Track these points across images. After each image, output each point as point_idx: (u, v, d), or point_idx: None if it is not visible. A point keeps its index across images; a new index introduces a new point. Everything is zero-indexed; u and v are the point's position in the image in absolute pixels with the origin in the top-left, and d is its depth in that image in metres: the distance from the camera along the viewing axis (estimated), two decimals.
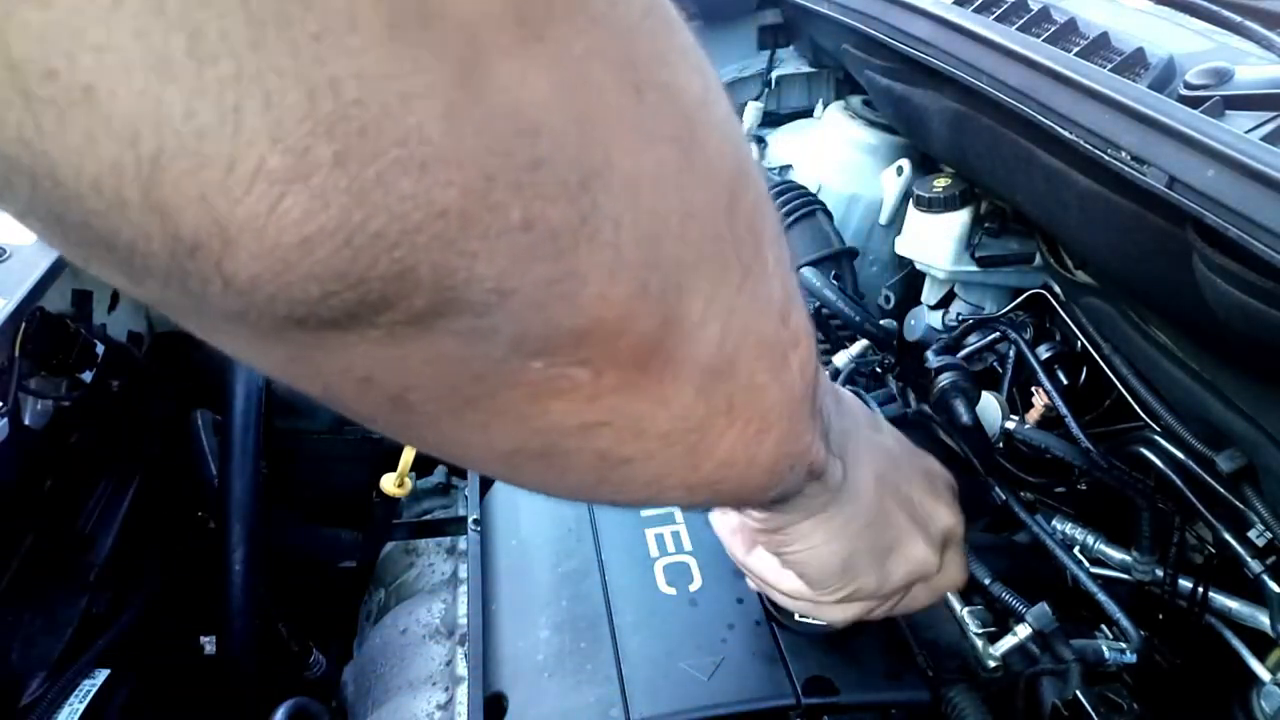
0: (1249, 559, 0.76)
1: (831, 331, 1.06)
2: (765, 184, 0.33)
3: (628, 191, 0.23)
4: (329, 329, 0.22)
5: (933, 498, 0.57)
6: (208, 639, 0.95)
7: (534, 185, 0.21)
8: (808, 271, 1.09)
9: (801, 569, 0.52)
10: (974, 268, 1.11)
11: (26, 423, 0.81)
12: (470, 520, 0.81)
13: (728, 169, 0.28)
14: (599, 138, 0.22)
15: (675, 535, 0.72)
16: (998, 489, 0.90)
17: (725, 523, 0.59)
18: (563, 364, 0.26)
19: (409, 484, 0.93)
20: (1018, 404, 1.02)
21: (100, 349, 0.88)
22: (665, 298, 0.26)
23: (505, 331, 0.24)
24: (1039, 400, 0.98)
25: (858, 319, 1.02)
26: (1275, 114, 0.65)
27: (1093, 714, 0.66)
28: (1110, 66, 0.78)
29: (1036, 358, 1.00)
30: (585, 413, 0.28)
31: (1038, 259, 1.08)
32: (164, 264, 0.19)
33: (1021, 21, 0.91)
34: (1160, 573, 0.79)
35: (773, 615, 0.65)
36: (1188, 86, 0.72)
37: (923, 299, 1.22)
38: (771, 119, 1.58)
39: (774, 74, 1.58)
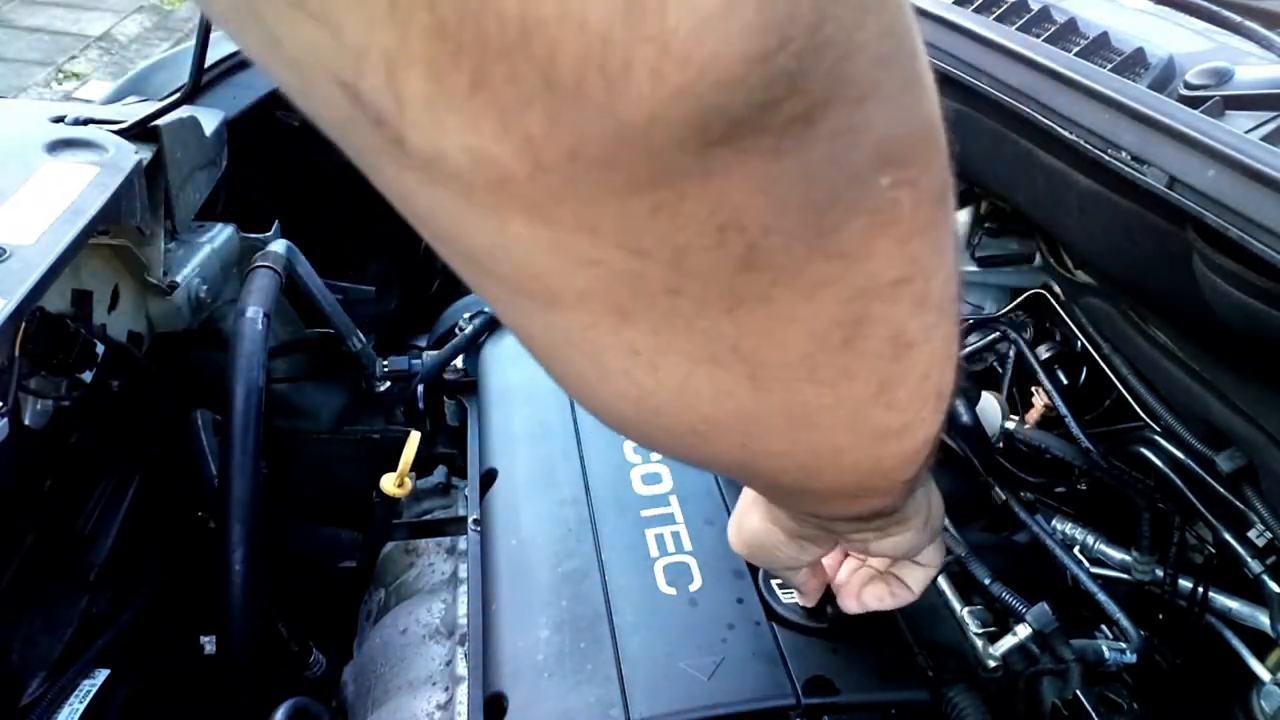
0: (1249, 559, 0.76)
1: None
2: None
3: None
4: (720, 144, 0.21)
5: None
6: (208, 639, 0.95)
7: None
8: None
9: (936, 526, 0.54)
10: (974, 268, 1.11)
11: (26, 423, 0.81)
12: (470, 520, 0.81)
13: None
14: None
15: (675, 535, 0.72)
16: (998, 489, 0.90)
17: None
18: (899, 186, 0.25)
19: (409, 484, 0.93)
20: (1018, 404, 1.02)
21: (100, 349, 0.88)
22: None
23: (875, 125, 0.23)
24: (1039, 400, 0.98)
25: None
26: (1275, 114, 0.65)
27: (1093, 714, 0.66)
28: (1110, 66, 0.78)
29: (1036, 358, 1.00)
30: (899, 260, 0.27)
31: (1038, 259, 1.08)
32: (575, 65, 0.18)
33: (1021, 21, 0.91)
34: (1160, 573, 0.79)
35: (773, 615, 0.65)
36: (1188, 86, 0.72)
37: None
38: None
39: None
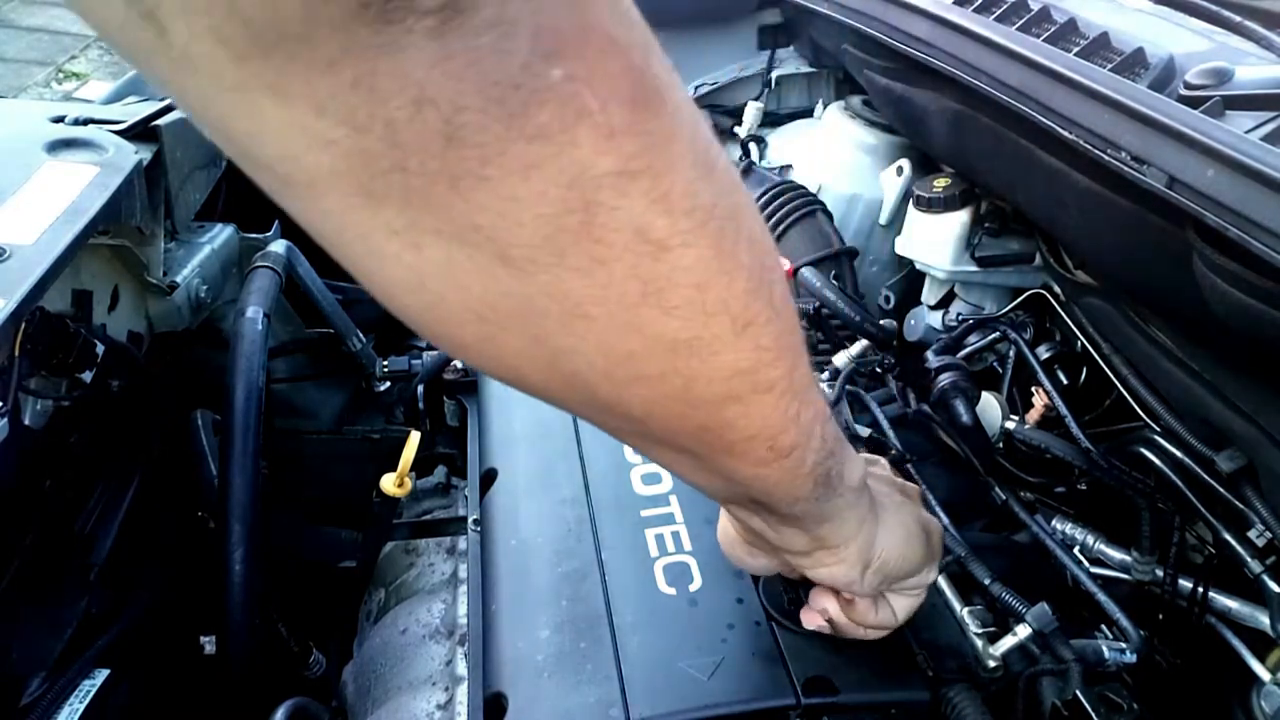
0: (1249, 559, 0.76)
1: (831, 331, 1.06)
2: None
3: None
4: (381, 23, 0.25)
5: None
6: (208, 639, 0.95)
7: None
8: (807, 271, 1.09)
9: (889, 571, 0.55)
10: (974, 268, 1.11)
11: (26, 423, 0.81)
12: (470, 520, 0.81)
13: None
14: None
15: (675, 535, 0.72)
16: (998, 489, 0.90)
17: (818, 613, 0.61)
18: (575, 80, 0.29)
19: (409, 484, 0.93)
20: (1018, 404, 1.02)
21: (100, 349, 0.88)
22: (641, 48, 0.31)
23: (524, 21, 0.27)
24: (1039, 400, 0.98)
25: (857, 319, 1.02)
26: (1275, 114, 0.65)
27: (1093, 714, 0.66)
28: (1110, 66, 0.78)
29: (1036, 358, 1.00)
30: (609, 152, 0.31)
31: (1038, 259, 1.08)
32: None
33: (1021, 21, 0.91)
34: (1160, 573, 0.79)
35: (773, 615, 0.65)
36: (1188, 86, 0.72)
37: (923, 299, 1.22)
38: (771, 119, 1.58)
39: (774, 74, 1.58)
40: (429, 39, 0.26)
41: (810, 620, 0.61)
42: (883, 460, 0.64)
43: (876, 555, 0.53)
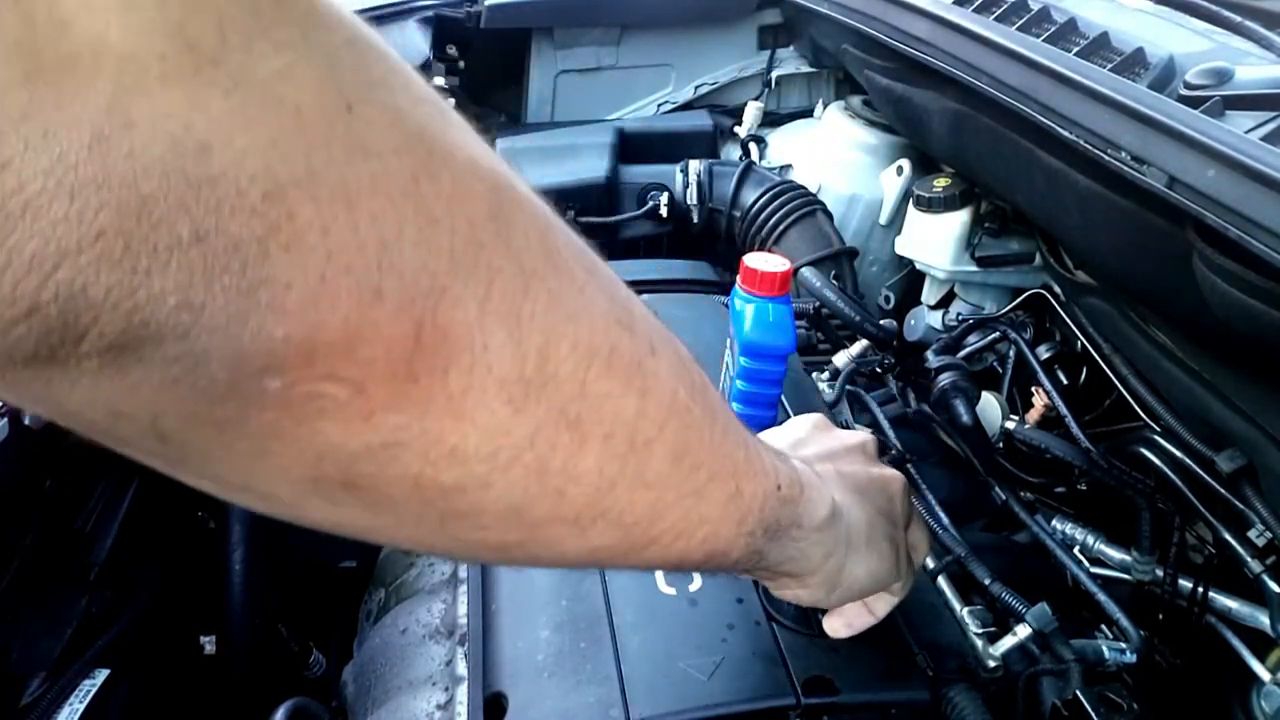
0: (1249, 559, 0.76)
1: (831, 331, 1.06)
2: (548, 211, 0.32)
3: (338, 200, 0.24)
4: (44, 365, 0.23)
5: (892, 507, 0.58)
6: (208, 639, 0.95)
7: (206, 200, 0.22)
8: (807, 272, 1.09)
9: (856, 591, 0.55)
10: (974, 268, 1.11)
11: (26, 423, 0.81)
12: None
13: (484, 182, 0.29)
14: (294, 151, 0.23)
15: None
16: (998, 489, 0.90)
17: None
18: (306, 381, 0.26)
19: None
20: (1018, 404, 1.02)
21: None
22: (415, 303, 0.26)
23: (216, 352, 0.24)
24: (1039, 400, 0.98)
25: (857, 319, 1.02)
26: (1275, 114, 0.65)
27: (1093, 714, 0.66)
28: (1110, 66, 0.78)
29: (1036, 358, 1.00)
30: (365, 432, 0.28)
31: (1038, 259, 1.08)
32: None
33: (1021, 21, 0.91)
34: (1160, 573, 0.79)
35: (773, 615, 0.65)
36: (1188, 86, 0.72)
37: (923, 299, 1.22)
38: (771, 119, 1.58)
39: (774, 74, 1.58)
40: (100, 377, 0.24)
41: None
42: (861, 434, 0.63)
43: (844, 581, 0.53)
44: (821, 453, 0.56)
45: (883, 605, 0.60)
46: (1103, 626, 0.75)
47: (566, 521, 0.34)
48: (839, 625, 0.61)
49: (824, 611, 0.61)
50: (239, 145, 0.22)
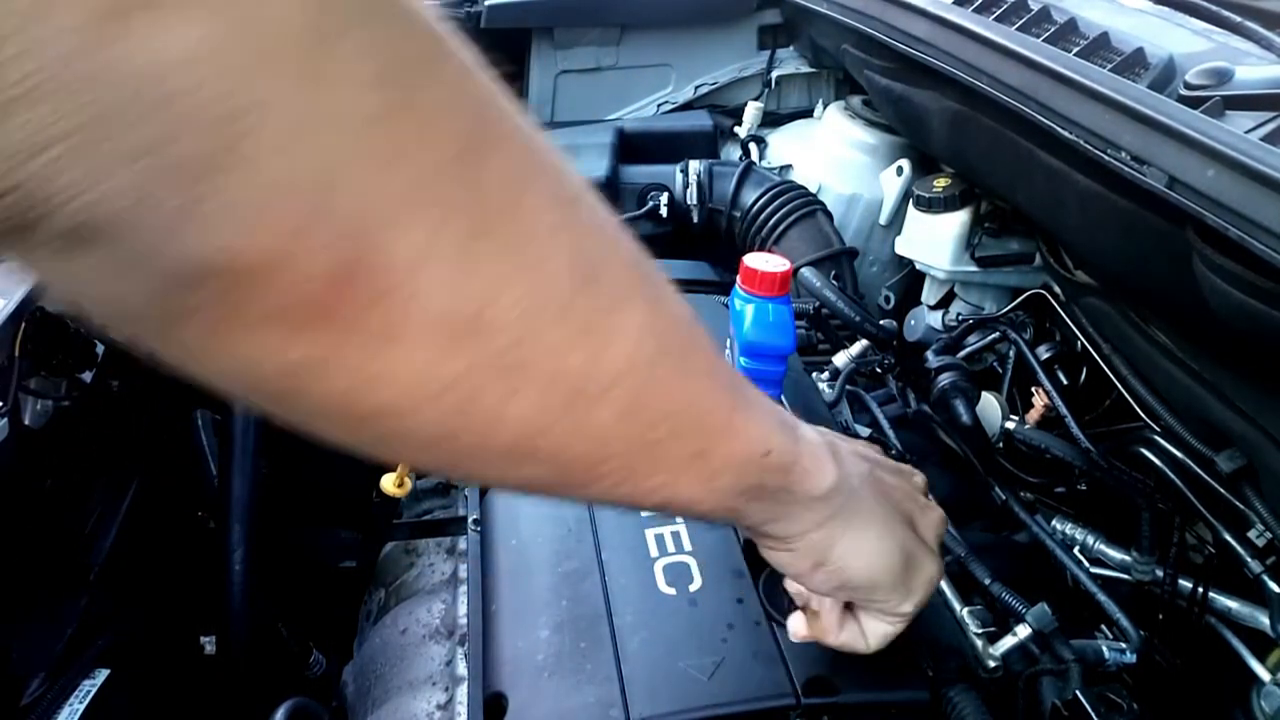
0: (1249, 559, 0.76)
1: (831, 331, 1.06)
2: (540, 158, 0.33)
3: (294, 128, 0.25)
4: (13, 236, 0.24)
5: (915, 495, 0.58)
6: (208, 639, 0.95)
7: (164, 117, 0.23)
8: (807, 271, 1.09)
9: (845, 578, 0.52)
10: (974, 268, 1.11)
11: (26, 423, 0.81)
12: (470, 520, 0.81)
13: (461, 122, 0.29)
14: (261, 75, 0.24)
15: (675, 535, 0.72)
16: (998, 489, 0.90)
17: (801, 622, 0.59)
18: (233, 292, 0.27)
19: (409, 484, 0.93)
20: (1018, 404, 1.02)
21: (100, 349, 0.88)
22: (347, 238, 0.27)
23: (153, 259, 0.25)
24: (1039, 400, 0.98)
25: (858, 319, 1.02)
26: (1275, 114, 0.65)
27: (1093, 714, 0.66)
28: (1110, 66, 0.78)
29: (1036, 358, 1.00)
30: (291, 347, 0.29)
31: (1038, 259, 1.08)
32: None
33: (1021, 21, 0.91)
34: (1160, 573, 0.79)
35: (773, 615, 0.65)
36: (1188, 86, 0.72)
37: (923, 299, 1.22)
38: (771, 119, 1.58)
39: (774, 74, 1.58)
40: (56, 260, 0.26)
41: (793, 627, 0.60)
42: (917, 474, 0.61)
43: (834, 559, 0.51)
44: (867, 456, 0.56)
45: (876, 636, 0.57)
46: (1103, 626, 0.75)
47: (495, 453, 0.35)
48: (799, 625, 0.59)
49: (805, 608, 0.60)
50: (204, 66, 0.23)
